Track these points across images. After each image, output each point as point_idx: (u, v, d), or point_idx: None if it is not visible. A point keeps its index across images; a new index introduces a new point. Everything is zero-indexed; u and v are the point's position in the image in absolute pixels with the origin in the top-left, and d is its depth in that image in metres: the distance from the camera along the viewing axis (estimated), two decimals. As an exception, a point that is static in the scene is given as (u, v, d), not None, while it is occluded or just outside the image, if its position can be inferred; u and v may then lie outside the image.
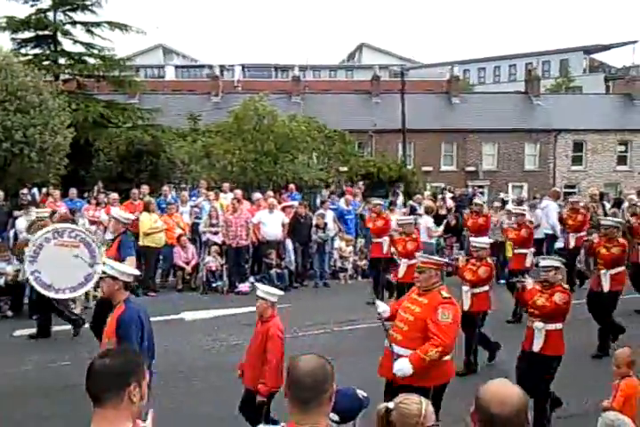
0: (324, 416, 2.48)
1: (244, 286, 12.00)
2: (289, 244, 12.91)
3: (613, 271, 8.26)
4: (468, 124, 30.61)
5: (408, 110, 25.11)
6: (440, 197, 16.49)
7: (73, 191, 13.71)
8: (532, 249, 10.27)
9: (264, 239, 12.53)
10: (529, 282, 6.28)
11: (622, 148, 31.67)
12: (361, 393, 3.28)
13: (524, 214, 10.54)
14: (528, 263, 9.93)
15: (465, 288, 7.74)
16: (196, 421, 6.04)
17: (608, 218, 10.07)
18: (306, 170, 18.52)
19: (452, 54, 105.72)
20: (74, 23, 21.69)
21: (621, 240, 8.56)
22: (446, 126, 30.62)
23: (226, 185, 15.04)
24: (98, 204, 13.06)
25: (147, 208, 12.05)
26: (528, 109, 32.72)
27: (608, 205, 14.92)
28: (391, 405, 2.84)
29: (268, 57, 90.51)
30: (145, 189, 13.64)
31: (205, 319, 10.10)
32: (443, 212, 14.72)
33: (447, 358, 4.81)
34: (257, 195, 14.06)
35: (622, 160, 31.57)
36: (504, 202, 16.76)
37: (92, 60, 21.72)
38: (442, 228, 13.85)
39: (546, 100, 33.35)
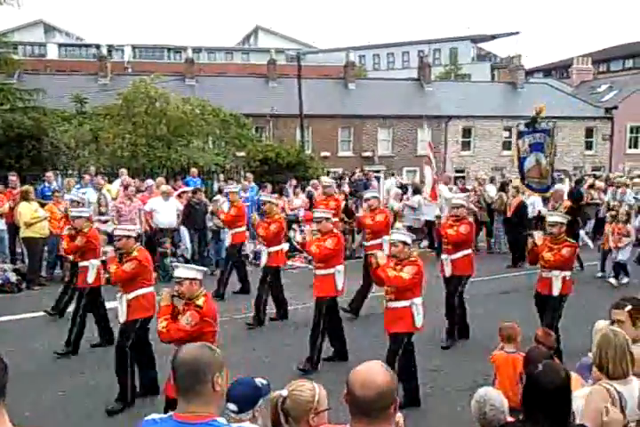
0: (208, 406, 2.41)
1: (137, 277, 11.55)
2: (184, 231, 12.56)
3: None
4: (364, 110, 31.07)
5: (305, 95, 25.02)
6: (337, 183, 16.62)
7: (-58, 179, 12.58)
8: None
9: (157, 227, 12.12)
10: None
11: (507, 133, 33.39)
12: (260, 381, 3.17)
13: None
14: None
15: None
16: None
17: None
18: (201, 155, 18.04)
19: (347, 40, 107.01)
20: None
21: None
22: (343, 112, 30.91)
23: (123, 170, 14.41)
24: (-30, 192, 12.04)
25: (25, 197, 11.23)
26: (420, 96, 33.71)
27: (494, 188, 15.84)
28: (284, 392, 2.79)
29: (160, 38, 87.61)
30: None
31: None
32: (341, 197, 14.84)
33: None
34: (149, 181, 13.61)
35: (507, 145, 33.31)
36: (402, 186, 17.22)
37: (-41, 35, 19.85)
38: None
39: (437, 87, 34.50)
